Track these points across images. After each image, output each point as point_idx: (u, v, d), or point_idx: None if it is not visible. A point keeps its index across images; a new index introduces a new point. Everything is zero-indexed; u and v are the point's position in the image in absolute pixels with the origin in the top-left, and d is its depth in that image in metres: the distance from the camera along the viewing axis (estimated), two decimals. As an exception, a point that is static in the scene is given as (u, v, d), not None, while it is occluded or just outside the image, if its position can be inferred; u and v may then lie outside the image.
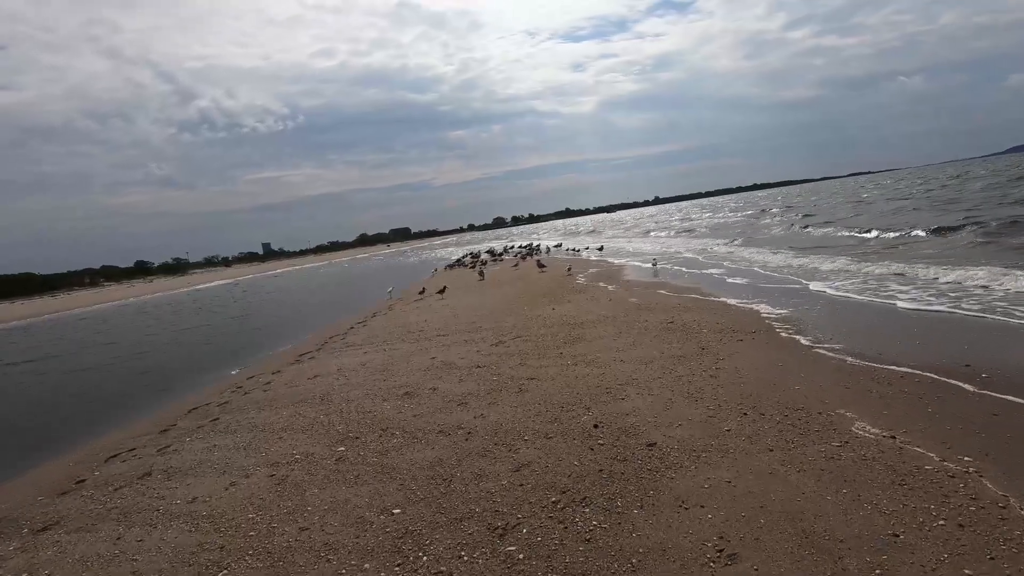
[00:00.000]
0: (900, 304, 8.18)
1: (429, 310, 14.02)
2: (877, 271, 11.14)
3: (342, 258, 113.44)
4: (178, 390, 9.71)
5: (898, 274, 10.50)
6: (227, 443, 5.72)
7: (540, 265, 21.74)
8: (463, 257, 35.54)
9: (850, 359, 5.84)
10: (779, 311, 8.61)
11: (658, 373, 6.09)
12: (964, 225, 16.46)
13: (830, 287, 10.10)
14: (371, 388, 7.08)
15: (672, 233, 35.20)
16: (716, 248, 21.23)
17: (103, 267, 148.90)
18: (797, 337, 6.96)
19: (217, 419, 6.80)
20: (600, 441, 4.46)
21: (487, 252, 37.00)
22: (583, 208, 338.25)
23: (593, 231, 57.23)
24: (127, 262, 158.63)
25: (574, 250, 28.04)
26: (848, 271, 11.67)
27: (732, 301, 9.86)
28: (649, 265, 17.63)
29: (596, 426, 4.75)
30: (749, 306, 9.24)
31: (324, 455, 4.97)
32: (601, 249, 27.02)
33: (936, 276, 9.72)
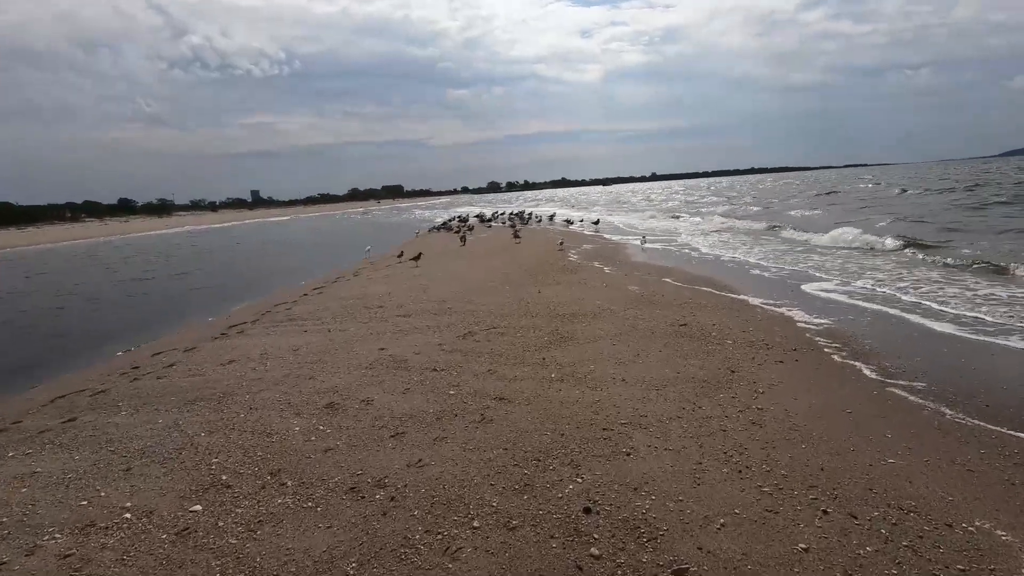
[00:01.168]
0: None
1: (398, 279, 12.19)
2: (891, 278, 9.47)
3: (331, 211, 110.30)
4: (64, 366, 7.83)
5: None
6: (51, 471, 3.95)
7: (516, 236, 19.92)
8: (449, 220, 33.40)
9: (948, 412, 4.16)
10: (818, 320, 6.91)
11: (675, 408, 4.38)
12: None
13: (847, 290, 8.43)
14: (288, 389, 5.31)
15: (669, 213, 33.28)
16: (716, 234, 19.51)
17: (85, 202, 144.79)
18: (856, 364, 5.26)
19: (73, 420, 5.01)
20: (594, 549, 2.74)
21: (476, 216, 34.92)
22: (580, 179, 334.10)
23: (591, 203, 55.11)
24: (111, 199, 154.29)
25: (568, 222, 26.17)
26: (855, 272, 9.99)
27: (755, 300, 8.14)
28: (646, 244, 16.00)
29: (588, 510, 3.04)
30: (778, 310, 7.52)
31: (165, 520, 3.22)
32: (597, 223, 25.15)
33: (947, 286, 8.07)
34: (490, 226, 28.37)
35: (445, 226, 29.25)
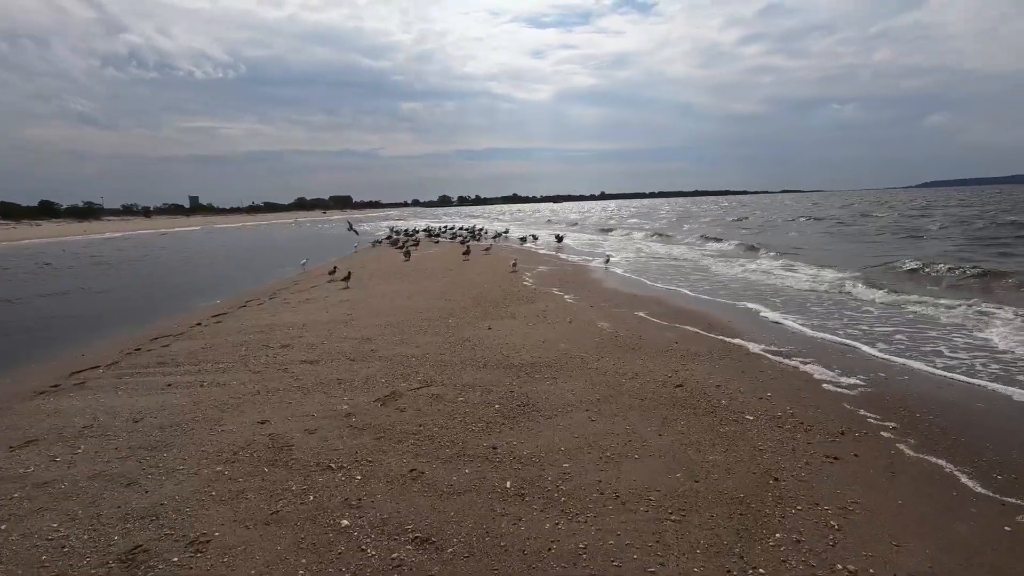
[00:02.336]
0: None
1: (319, 305, 10.10)
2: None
3: (274, 220, 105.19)
4: None
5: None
6: None
7: (465, 254, 18.14)
8: (393, 234, 30.97)
9: None
10: (846, 379, 5.38)
11: (716, 570, 2.64)
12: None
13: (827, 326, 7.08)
14: (78, 512, 3.27)
15: (625, 232, 32.28)
16: (677, 251, 18.30)
17: (2, 203, 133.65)
18: (941, 464, 3.66)
19: None
20: None
21: (423, 231, 32.79)
22: (531, 196, 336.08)
23: (543, 220, 53.92)
24: (32, 200, 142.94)
25: (522, 239, 24.60)
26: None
27: (755, 347, 6.58)
28: (606, 267, 14.57)
29: None
30: (791, 363, 5.96)
31: None
32: (561, 240, 23.56)
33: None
34: (438, 241, 26.37)
35: (390, 239, 27.04)
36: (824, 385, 5.22)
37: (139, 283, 17.13)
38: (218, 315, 9.89)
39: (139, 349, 7.61)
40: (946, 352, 6.32)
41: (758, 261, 15.29)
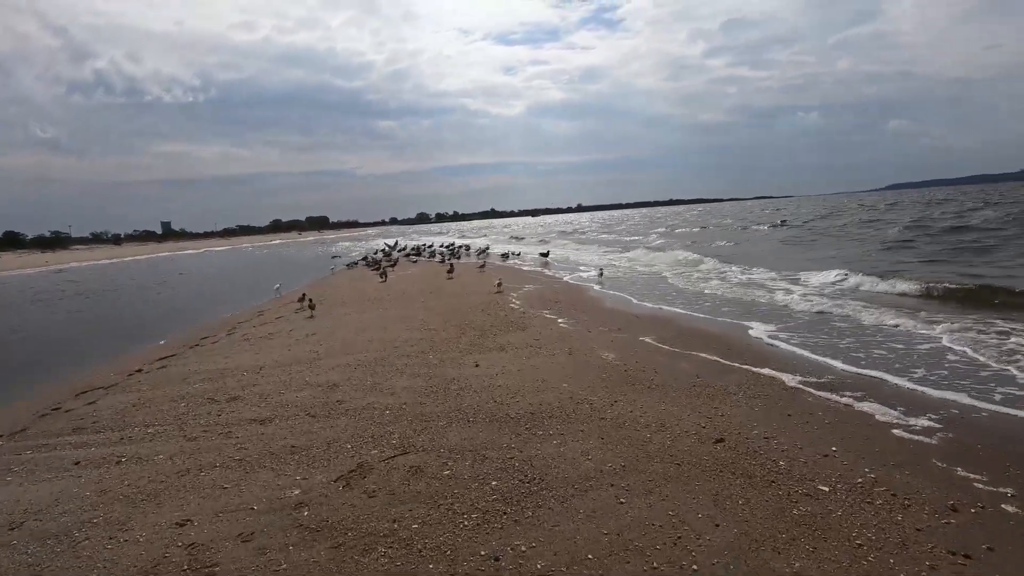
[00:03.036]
0: None
1: (281, 341, 8.92)
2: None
3: (247, 244, 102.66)
4: None
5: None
6: None
7: (449, 273, 17.14)
8: (371, 254, 29.76)
9: None
10: (916, 421, 4.44)
11: None
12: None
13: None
14: None
15: (607, 244, 31.54)
16: (663, 264, 17.46)
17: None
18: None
19: None
20: None
21: (399, 250, 31.61)
22: (509, 210, 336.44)
23: (523, 234, 53.08)
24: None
25: (504, 256, 23.59)
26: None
27: (791, 379, 5.61)
28: (600, 283, 13.62)
29: None
30: (840, 400, 5.00)
31: None
32: (547, 255, 22.61)
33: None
34: (415, 261, 25.21)
35: (365, 260, 25.79)
36: (894, 431, 4.26)
37: (85, 321, 15.63)
38: (165, 358, 8.64)
39: (58, 408, 6.35)
40: (994, 383, 5.43)
41: (751, 274, 14.47)
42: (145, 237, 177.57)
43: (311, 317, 10.96)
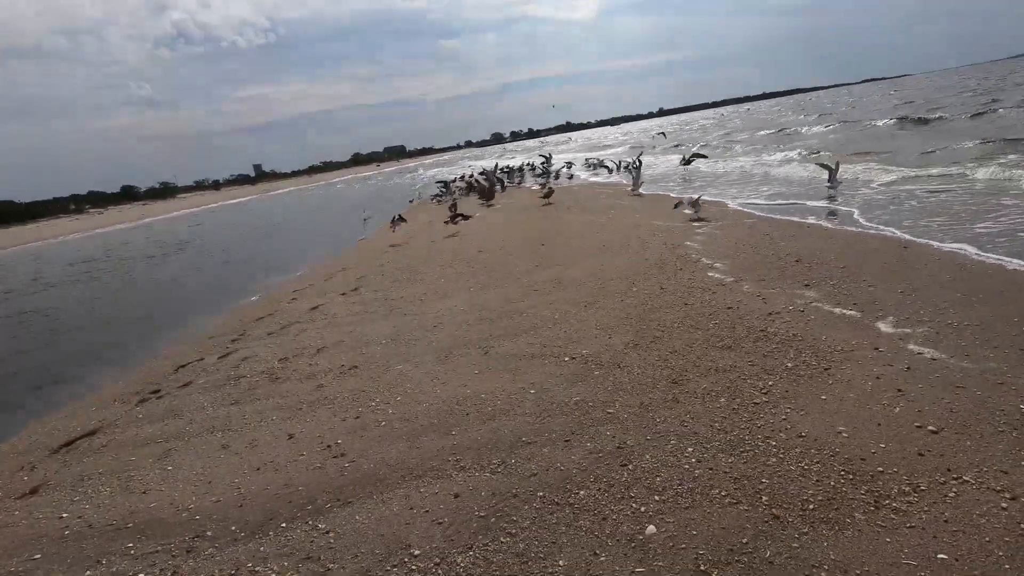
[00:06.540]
0: None
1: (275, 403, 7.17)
2: None
3: (333, 179, 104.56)
4: None
5: None
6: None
7: (547, 198, 14.62)
8: (458, 179, 25.62)
9: None
10: None
11: None
12: None
13: None
14: None
15: (729, 148, 27.27)
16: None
17: (89, 192, 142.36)
18: None
19: None
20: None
21: (500, 168, 26.84)
22: (584, 122, 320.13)
23: (608, 146, 48.70)
24: (114, 187, 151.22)
25: (609, 165, 20.50)
26: None
27: None
28: (831, 205, 9.39)
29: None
30: None
31: None
32: (688, 163, 18.34)
33: None
34: (504, 185, 21.38)
35: (450, 189, 23.26)
36: None
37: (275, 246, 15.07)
38: (262, 317, 7.21)
39: (131, 407, 4.97)
40: None
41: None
42: (241, 180, 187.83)
43: (355, 298, 9.15)
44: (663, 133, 46.76)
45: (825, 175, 10.87)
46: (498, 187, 19.98)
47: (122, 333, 9.06)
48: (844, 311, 4.64)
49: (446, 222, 13.28)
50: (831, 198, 9.91)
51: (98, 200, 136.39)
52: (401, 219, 13.81)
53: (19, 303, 13.90)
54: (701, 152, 19.67)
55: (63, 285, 16.34)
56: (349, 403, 4.41)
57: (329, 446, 3.76)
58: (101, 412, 5.40)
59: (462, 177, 26.49)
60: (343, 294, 8.17)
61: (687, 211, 9.72)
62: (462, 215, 13.45)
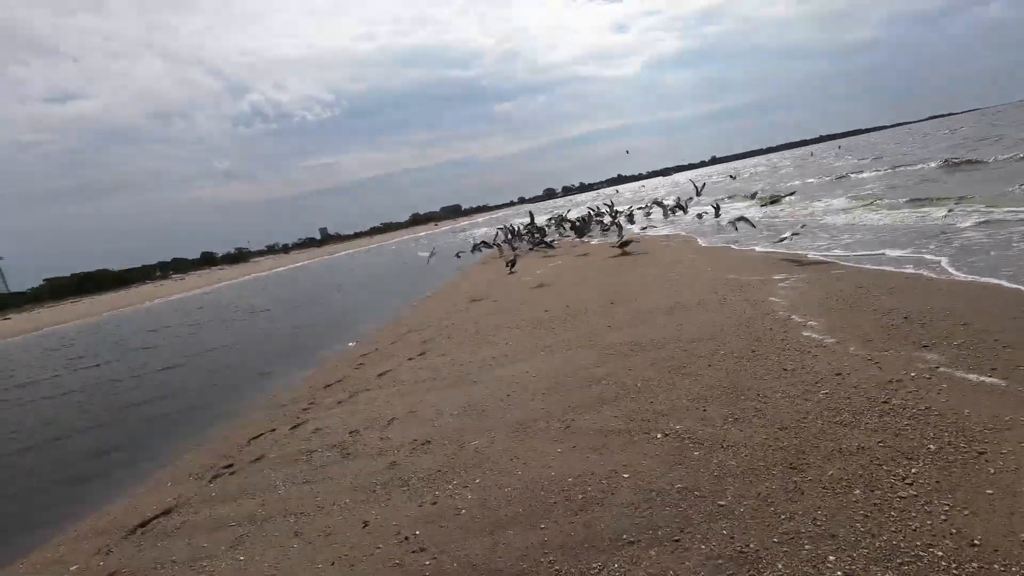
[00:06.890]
0: None
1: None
2: None
3: (391, 240, 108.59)
4: None
5: None
6: None
7: (623, 250, 14.32)
8: (511, 233, 24.07)
9: None
10: None
11: None
12: None
13: None
14: None
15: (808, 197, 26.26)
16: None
17: (173, 259, 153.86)
18: None
19: None
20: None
21: (556, 219, 26.48)
22: (635, 173, 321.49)
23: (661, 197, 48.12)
24: (195, 253, 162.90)
25: (656, 207, 20.03)
26: None
27: None
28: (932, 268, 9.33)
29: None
30: None
31: None
32: (774, 202, 18.41)
33: None
34: (550, 242, 20.24)
35: (500, 243, 23.38)
36: None
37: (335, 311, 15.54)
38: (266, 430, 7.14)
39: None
40: None
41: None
42: (307, 243, 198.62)
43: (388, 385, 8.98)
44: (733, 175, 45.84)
45: (912, 219, 10.06)
46: (520, 246, 20.62)
47: (198, 398, 9.25)
48: (982, 378, 4.02)
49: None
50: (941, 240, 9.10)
51: (180, 266, 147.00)
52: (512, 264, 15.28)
53: (107, 371, 14.65)
54: (780, 194, 19.39)
55: (141, 351, 17.19)
56: (424, 485, 4.13)
57: (407, 537, 3.47)
58: (176, 488, 5.35)
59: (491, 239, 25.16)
60: (410, 359, 8.04)
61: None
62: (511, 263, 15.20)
